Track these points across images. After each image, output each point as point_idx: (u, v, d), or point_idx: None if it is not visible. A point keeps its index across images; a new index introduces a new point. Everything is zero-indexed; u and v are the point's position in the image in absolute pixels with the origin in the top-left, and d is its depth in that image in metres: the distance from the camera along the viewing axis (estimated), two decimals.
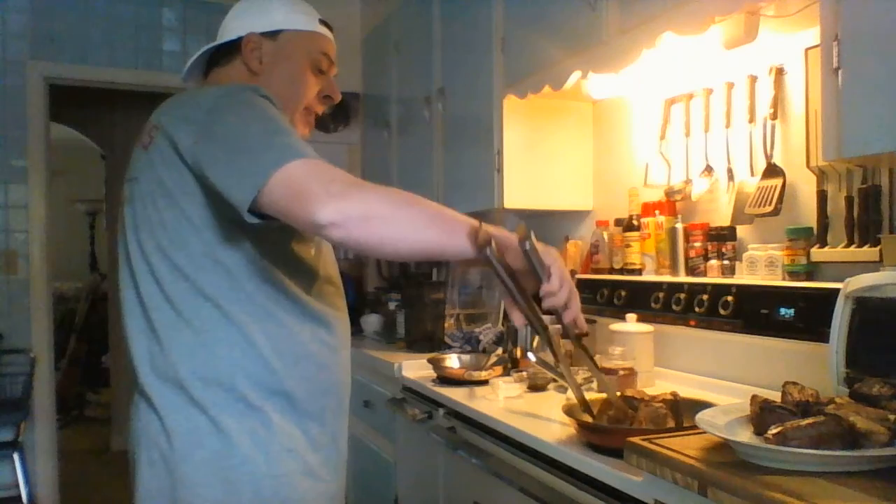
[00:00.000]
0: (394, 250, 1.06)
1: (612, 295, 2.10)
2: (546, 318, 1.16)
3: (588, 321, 2.14)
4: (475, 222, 1.04)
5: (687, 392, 1.53)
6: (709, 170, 1.89)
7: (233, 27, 1.32)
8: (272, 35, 1.30)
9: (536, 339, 2.09)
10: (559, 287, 1.06)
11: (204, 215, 1.12)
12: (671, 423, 1.28)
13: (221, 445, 1.12)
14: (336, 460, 1.25)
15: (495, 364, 2.09)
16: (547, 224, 2.63)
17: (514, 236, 1.06)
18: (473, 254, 1.02)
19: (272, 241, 1.16)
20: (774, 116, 1.68)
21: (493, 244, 1.01)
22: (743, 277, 1.72)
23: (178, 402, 1.13)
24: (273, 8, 1.32)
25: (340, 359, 1.27)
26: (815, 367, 1.37)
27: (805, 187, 1.63)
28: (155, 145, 1.16)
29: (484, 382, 1.98)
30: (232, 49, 1.31)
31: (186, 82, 1.40)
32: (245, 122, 1.09)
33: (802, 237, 1.59)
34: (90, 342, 6.06)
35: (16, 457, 3.34)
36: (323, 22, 1.36)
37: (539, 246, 1.06)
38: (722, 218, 1.85)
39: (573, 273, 2.33)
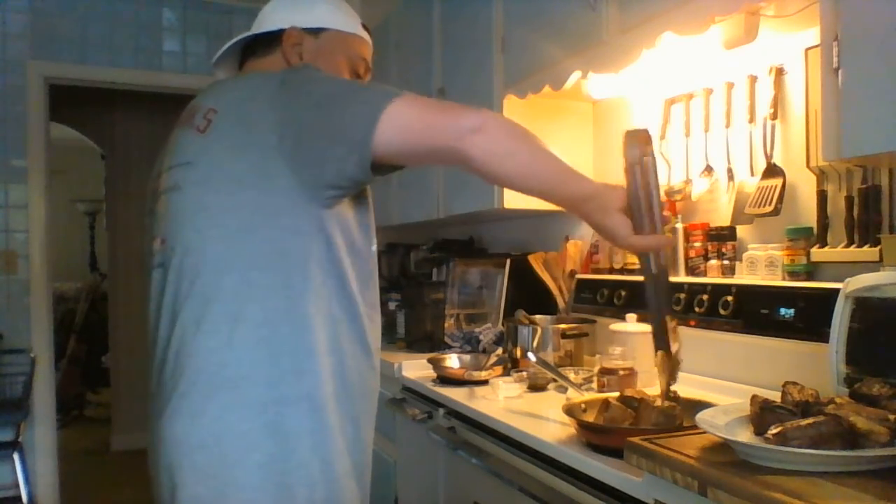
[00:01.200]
0: (522, 169, 1.08)
1: (612, 295, 2.10)
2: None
3: (588, 321, 2.14)
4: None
5: (687, 392, 1.52)
6: (709, 170, 1.89)
7: (273, 19, 1.29)
8: (315, 32, 1.28)
9: (537, 338, 2.10)
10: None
11: (280, 201, 1.08)
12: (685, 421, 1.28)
13: (278, 448, 1.07)
14: (363, 466, 1.22)
15: (495, 364, 2.09)
16: (547, 224, 2.63)
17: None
18: (585, 197, 1.09)
19: (347, 233, 1.14)
20: (774, 116, 1.68)
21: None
22: (743, 277, 1.72)
23: (234, 402, 1.07)
24: (318, 5, 1.30)
25: (375, 363, 1.25)
26: (815, 367, 1.37)
27: (805, 187, 1.63)
28: (216, 129, 1.11)
29: (484, 382, 1.98)
30: (271, 41, 1.28)
31: (214, 71, 1.36)
32: (330, 83, 1.10)
33: (802, 237, 1.59)
34: (90, 342, 6.06)
35: (16, 457, 3.34)
36: (364, 26, 1.35)
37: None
38: (722, 218, 1.85)
39: (573, 273, 2.33)
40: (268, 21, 1.30)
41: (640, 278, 2.01)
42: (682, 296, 1.83)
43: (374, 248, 1.25)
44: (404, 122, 1.03)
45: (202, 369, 1.09)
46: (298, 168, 1.06)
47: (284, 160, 1.06)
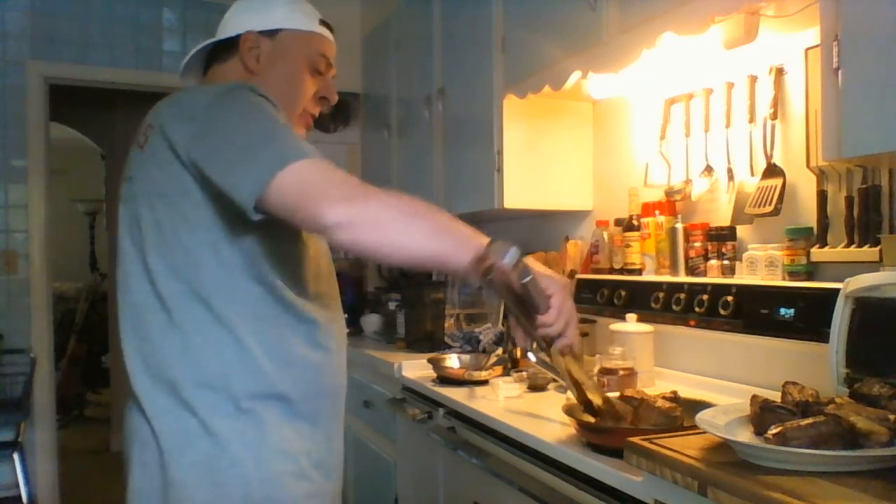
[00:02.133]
0: (398, 257, 1.06)
1: (612, 295, 2.10)
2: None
3: (588, 321, 2.14)
4: (483, 243, 1.02)
5: (687, 392, 1.53)
6: (709, 170, 1.89)
7: (232, 24, 1.31)
8: (271, 34, 1.30)
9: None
10: (555, 319, 1.07)
11: (200, 215, 1.11)
12: (685, 422, 1.28)
13: (211, 448, 1.11)
14: (330, 463, 1.24)
15: (495, 364, 2.09)
16: (547, 224, 2.63)
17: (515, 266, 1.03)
18: (474, 275, 1.02)
19: (269, 241, 1.15)
20: (774, 116, 1.68)
21: (495, 272, 1.00)
22: (743, 277, 1.72)
23: (169, 405, 1.12)
24: (273, 7, 1.31)
25: (335, 361, 1.26)
26: (815, 367, 1.37)
27: (805, 187, 1.63)
28: (150, 145, 1.16)
29: (484, 382, 1.98)
30: (230, 47, 1.30)
31: (183, 78, 1.39)
32: (245, 121, 1.08)
33: (802, 237, 1.59)
34: (90, 342, 6.06)
35: (16, 457, 3.34)
36: (323, 22, 1.35)
37: (543, 272, 1.06)
38: (722, 218, 1.85)
39: (573, 273, 2.33)
40: (227, 27, 1.32)
41: (639, 278, 2.02)
42: (683, 296, 1.83)
43: (313, 249, 1.25)
44: (283, 195, 1.01)
45: (140, 373, 1.15)
46: (208, 191, 1.10)
47: (195, 179, 1.10)
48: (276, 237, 1.16)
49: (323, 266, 1.28)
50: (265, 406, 1.15)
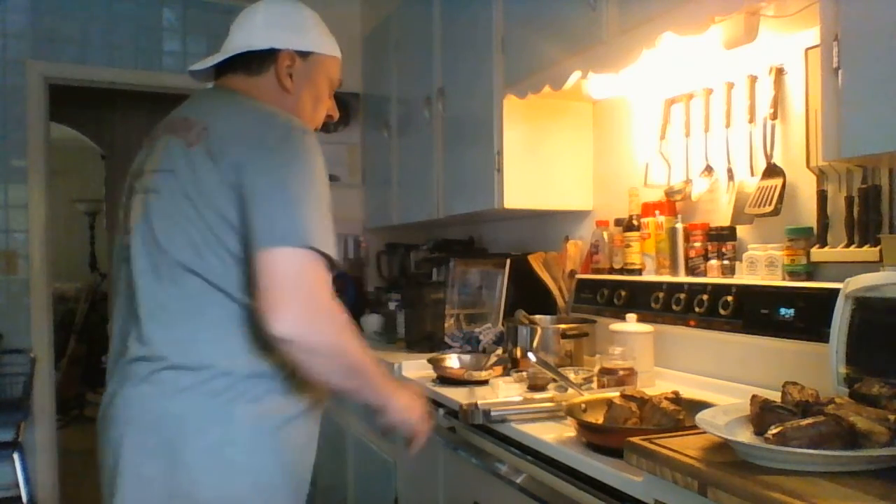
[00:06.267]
0: (323, 381, 1.22)
1: (612, 295, 2.10)
2: None
3: (588, 321, 2.14)
4: (399, 400, 1.30)
5: (687, 392, 1.52)
6: (709, 170, 1.89)
7: (263, 36, 1.31)
8: (304, 55, 1.33)
9: (537, 338, 2.10)
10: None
11: (232, 225, 1.15)
12: (686, 422, 1.28)
13: (226, 432, 1.14)
14: (311, 457, 1.32)
15: (495, 364, 2.09)
16: (547, 224, 2.63)
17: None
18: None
19: None
20: (774, 116, 1.68)
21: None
22: (743, 277, 1.72)
23: (185, 389, 1.14)
24: (309, 27, 1.35)
25: None
26: (815, 367, 1.37)
27: (805, 187, 1.63)
28: (203, 147, 1.17)
29: (484, 382, 1.98)
30: (263, 59, 1.31)
31: (196, 77, 1.39)
32: (294, 184, 1.15)
33: (802, 237, 1.59)
34: (90, 342, 6.05)
35: (16, 457, 3.33)
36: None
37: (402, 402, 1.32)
38: (722, 218, 1.85)
39: (573, 273, 2.34)
40: (260, 37, 1.31)
41: (639, 278, 2.02)
42: (683, 296, 1.83)
43: None
44: (261, 270, 1.11)
45: (160, 358, 1.16)
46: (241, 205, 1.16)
47: (236, 202, 1.15)
48: None
49: None
50: (278, 394, 1.19)
